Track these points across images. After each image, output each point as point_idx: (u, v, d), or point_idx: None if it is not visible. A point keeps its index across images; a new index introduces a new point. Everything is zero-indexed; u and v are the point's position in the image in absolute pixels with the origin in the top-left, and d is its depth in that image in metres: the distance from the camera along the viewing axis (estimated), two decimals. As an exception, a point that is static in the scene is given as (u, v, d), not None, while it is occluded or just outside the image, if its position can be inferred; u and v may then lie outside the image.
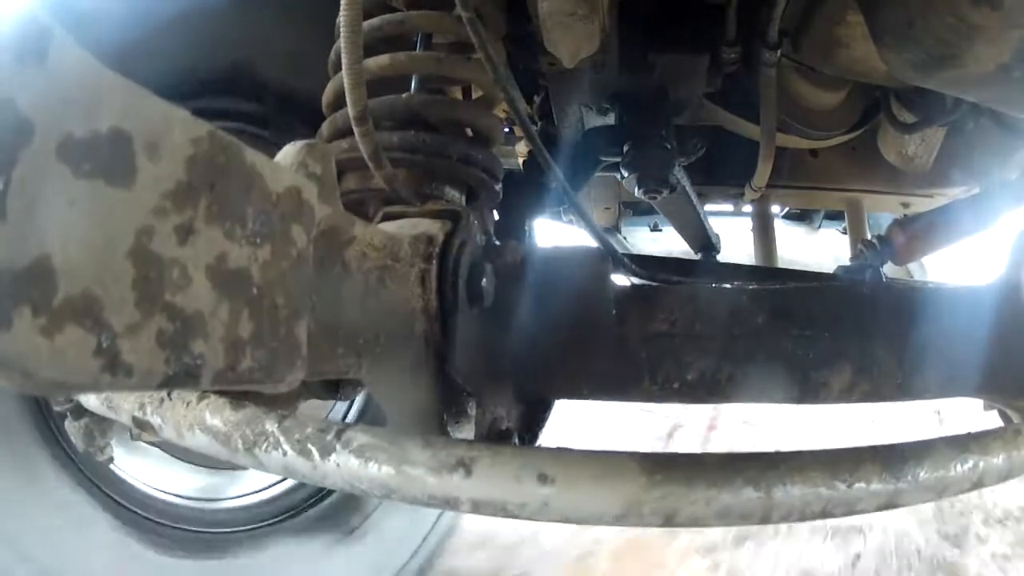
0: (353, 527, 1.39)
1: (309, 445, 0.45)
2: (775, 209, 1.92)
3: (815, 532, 1.99)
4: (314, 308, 0.43)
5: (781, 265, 1.81)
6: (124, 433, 0.64)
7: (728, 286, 1.40)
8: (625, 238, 2.21)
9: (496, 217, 1.11)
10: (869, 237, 1.47)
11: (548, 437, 0.69)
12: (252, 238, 0.35)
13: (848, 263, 1.41)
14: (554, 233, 1.95)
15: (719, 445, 2.74)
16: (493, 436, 0.62)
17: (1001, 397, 0.73)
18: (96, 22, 0.92)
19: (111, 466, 0.95)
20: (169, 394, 0.53)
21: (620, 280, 0.89)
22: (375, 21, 0.79)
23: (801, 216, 2.13)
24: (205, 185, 0.32)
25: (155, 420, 0.54)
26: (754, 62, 1.15)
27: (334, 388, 0.65)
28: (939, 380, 0.70)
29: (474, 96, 1.04)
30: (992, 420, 0.76)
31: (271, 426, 0.47)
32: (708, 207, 1.84)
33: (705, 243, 1.80)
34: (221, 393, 0.51)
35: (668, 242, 2.14)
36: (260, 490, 1.32)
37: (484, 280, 0.60)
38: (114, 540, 1.02)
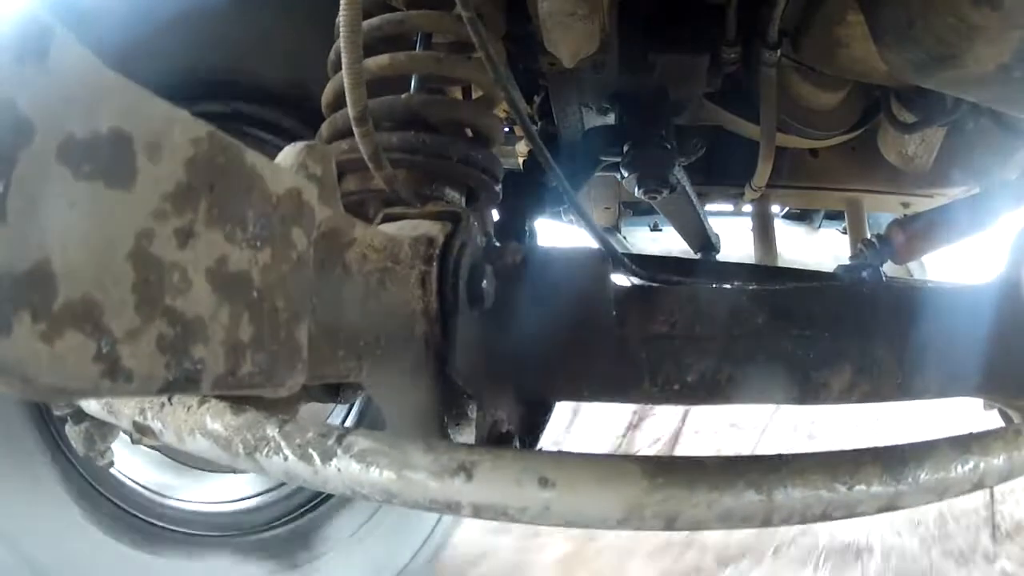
0: (296, 564, 1.29)
1: (310, 450, 0.44)
2: (775, 209, 1.91)
3: (808, 556, 1.81)
4: (315, 311, 0.43)
5: (781, 265, 1.81)
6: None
7: (728, 286, 1.41)
8: (625, 238, 2.20)
9: (496, 217, 1.11)
10: (869, 237, 1.47)
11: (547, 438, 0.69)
12: (252, 241, 0.35)
13: (848, 262, 1.41)
14: (554, 233, 1.94)
15: (707, 448, 2.61)
16: (494, 439, 0.62)
17: (1001, 396, 0.73)
18: (97, 21, 0.92)
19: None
20: (170, 398, 0.53)
21: (620, 280, 0.89)
22: (375, 21, 0.79)
23: (801, 216, 2.12)
24: (205, 186, 0.32)
25: (156, 425, 0.54)
26: (754, 62, 1.15)
27: (334, 391, 0.65)
28: (939, 380, 0.70)
29: (474, 96, 1.04)
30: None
31: (272, 431, 0.47)
32: (708, 207, 1.83)
33: (705, 243, 1.80)
34: (222, 397, 0.51)
35: (668, 242, 2.13)
36: (218, 501, 1.26)
37: (484, 282, 0.60)
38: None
